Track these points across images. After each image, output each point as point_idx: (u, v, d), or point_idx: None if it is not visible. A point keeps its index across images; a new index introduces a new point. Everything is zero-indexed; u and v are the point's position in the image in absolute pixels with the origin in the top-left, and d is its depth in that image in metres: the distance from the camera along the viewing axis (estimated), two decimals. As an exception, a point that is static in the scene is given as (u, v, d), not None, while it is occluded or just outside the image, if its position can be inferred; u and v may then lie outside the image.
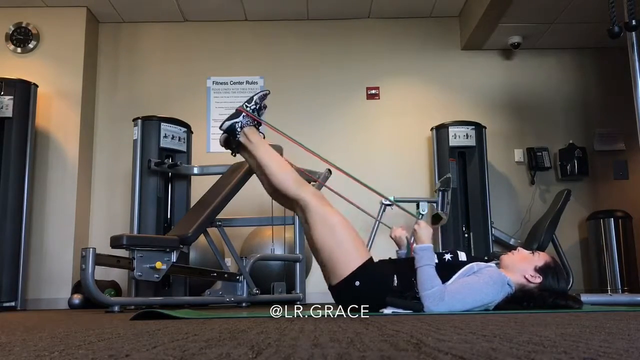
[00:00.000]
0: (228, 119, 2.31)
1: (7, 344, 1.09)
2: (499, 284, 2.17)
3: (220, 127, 2.33)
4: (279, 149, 3.77)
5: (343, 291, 2.19)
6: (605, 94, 5.48)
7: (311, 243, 2.25)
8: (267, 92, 2.40)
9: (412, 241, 2.31)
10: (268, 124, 2.39)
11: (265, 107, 2.38)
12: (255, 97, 2.35)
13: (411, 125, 5.38)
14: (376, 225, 4.21)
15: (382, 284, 2.17)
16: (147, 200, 4.13)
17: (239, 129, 2.30)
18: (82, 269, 2.84)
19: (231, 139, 2.32)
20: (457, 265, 2.24)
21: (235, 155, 2.46)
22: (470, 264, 2.24)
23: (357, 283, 2.14)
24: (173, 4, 5.25)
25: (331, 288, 2.24)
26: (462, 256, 2.30)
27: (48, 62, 5.11)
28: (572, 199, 4.83)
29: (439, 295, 2.08)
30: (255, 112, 2.34)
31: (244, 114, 2.31)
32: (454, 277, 2.19)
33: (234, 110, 2.35)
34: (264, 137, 2.38)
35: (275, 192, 2.34)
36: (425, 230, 2.23)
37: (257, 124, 2.36)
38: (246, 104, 2.34)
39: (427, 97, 5.46)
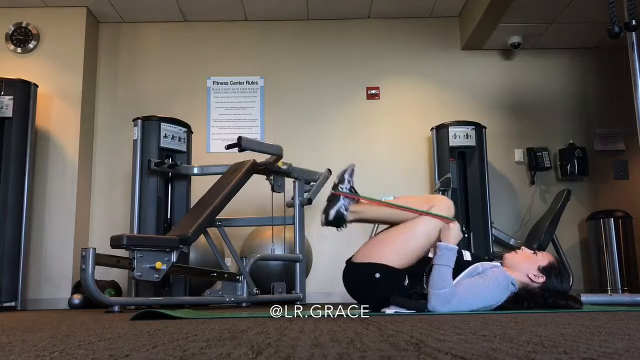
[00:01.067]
0: (331, 208, 2.29)
1: (7, 344, 1.09)
2: (504, 286, 2.18)
3: (327, 221, 2.30)
4: (278, 149, 3.77)
5: (360, 273, 2.22)
6: (605, 94, 5.48)
7: (398, 222, 2.28)
8: (354, 165, 2.39)
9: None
10: (367, 198, 2.36)
11: (354, 169, 2.38)
12: (346, 176, 2.34)
13: (411, 125, 5.38)
14: (375, 228, 4.21)
15: (394, 283, 2.20)
16: (147, 200, 4.13)
17: (345, 213, 2.29)
18: (82, 269, 2.84)
19: (342, 224, 2.33)
20: (462, 264, 2.24)
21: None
22: (475, 265, 2.24)
23: (378, 275, 2.17)
24: (173, 4, 5.25)
25: (352, 264, 2.28)
26: (467, 255, 2.31)
27: (48, 62, 5.11)
28: (572, 199, 4.83)
29: (448, 298, 2.09)
30: (351, 190, 2.33)
31: (342, 196, 2.30)
32: (459, 277, 2.19)
33: (330, 196, 2.33)
34: (358, 196, 2.35)
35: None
36: (456, 232, 2.24)
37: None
38: (340, 185, 2.32)
39: (427, 97, 5.46)
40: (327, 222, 2.30)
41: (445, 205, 2.29)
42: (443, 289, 2.10)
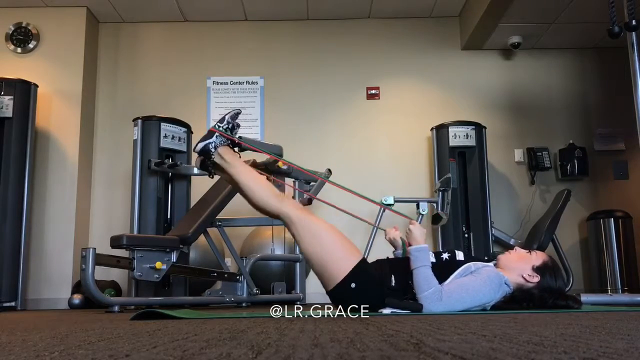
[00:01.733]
0: (201, 140, 2.30)
1: (7, 344, 1.09)
2: (497, 284, 2.17)
3: (194, 150, 2.31)
4: (278, 149, 3.77)
5: (340, 295, 2.18)
6: (605, 94, 5.48)
7: (302, 254, 2.25)
8: (239, 110, 2.38)
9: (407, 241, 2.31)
10: (242, 141, 2.37)
11: (238, 125, 2.36)
12: (227, 117, 2.33)
13: (411, 125, 5.38)
14: (374, 231, 4.21)
15: (379, 284, 2.17)
16: (147, 200, 4.13)
17: (213, 150, 2.28)
18: (82, 269, 2.84)
19: (207, 161, 2.30)
20: (454, 264, 2.24)
21: (212, 177, 2.46)
22: (468, 264, 2.23)
23: (353, 285, 2.13)
24: (173, 4, 5.25)
25: (329, 293, 2.24)
26: (460, 255, 2.30)
27: (48, 62, 5.11)
28: (572, 199, 4.83)
29: (437, 296, 2.08)
30: (228, 132, 2.31)
31: (217, 134, 2.29)
32: (451, 277, 2.18)
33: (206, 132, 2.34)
34: (240, 156, 2.36)
35: (258, 208, 2.32)
36: (419, 231, 2.21)
37: (232, 144, 2.34)
38: (218, 124, 2.32)
39: (427, 97, 5.46)
40: (194, 151, 2.32)
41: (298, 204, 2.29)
42: (428, 289, 2.08)
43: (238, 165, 2.30)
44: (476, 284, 2.14)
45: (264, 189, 2.27)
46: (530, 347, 0.84)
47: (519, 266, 2.26)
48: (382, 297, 2.16)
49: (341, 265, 2.16)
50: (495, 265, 2.32)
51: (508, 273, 2.25)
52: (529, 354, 0.76)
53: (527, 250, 2.35)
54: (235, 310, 3.03)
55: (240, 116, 2.38)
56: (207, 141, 2.29)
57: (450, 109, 5.37)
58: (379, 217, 4.22)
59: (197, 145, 2.30)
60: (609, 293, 4.70)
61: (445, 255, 2.27)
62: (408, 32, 5.57)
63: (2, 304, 4.16)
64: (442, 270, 2.18)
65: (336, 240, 2.19)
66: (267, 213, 2.29)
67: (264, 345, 0.94)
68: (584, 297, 2.91)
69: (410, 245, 2.20)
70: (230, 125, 2.34)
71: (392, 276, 2.19)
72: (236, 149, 2.39)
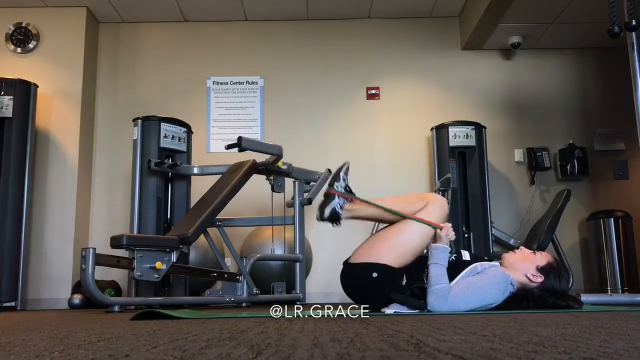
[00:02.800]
0: (326, 207, 2.32)
1: (7, 344, 1.09)
2: (503, 285, 2.18)
3: (322, 217, 2.34)
4: (278, 149, 3.77)
5: (358, 274, 2.24)
6: (605, 94, 5.48)
7: (395, 222, 2.31)
8: (348, 163, 2.45)
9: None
10: (362, 200, 2.39)
11: (348, 168, 2.43)
12: (341, 174, 2.38)
13: (411, 125, 5.38)
14: (375, 227, 4.22)
15: (392, 283, 2.21)
16: (147, 201, 4.13)
17: (340, 212, 2.33)
18: (82, 269, 2.84)
19: (335, 221, 2.35)
20: (461, 264, 2.25)
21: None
22: (474, 264, 2.25)
23: (375, 275, 2.20)
24: (173, 4, 5.25)
25: (349, 264, 2.30)
26: (466, 255, 2.31)
27: (48, 62, 5.11)
28: (572, 199, 4.83)
29: (444, 294, 2.11)
30: (346, 189, 2.37)
31: (337, 195, 2.34)
32: (458, 277, 2.20)
33: (324, 196, 2.37)
34: (354, 196, 2.38)
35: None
36: (449, 233, 2.28)
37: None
38: (336, 184, 2.36)
39: (427, 97, 5.46)
40: (322, 219, 2.34)
41: (438, 203, 2.35)
42: (436, 285, 2.12)
43: (361, 209, 2.37)
44: (483, 284, 2.15)
45: (390, 215, 2.33)
46: (530, 347, 0.84)
47: (524, 266, 2.28)
48: (388, 298, 2.19)
49: (389, 254, 2.24)
50: (499, 264, 2.33)
51: (512, 272, 2.26)
52: (529, 354, 0.76)
53: (532, 251, 2.36)
54: (235, 310, 3.03)
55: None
56: (332, 205, 2.32)
57: (450, 109, 5.37)
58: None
59: (322, 212, 2.33)
60: (609, 293, 4.69)
61: (451, 256, 2.28)
62: (408, 32, 5.57)
63: (2, 304, 4.16)
64: (449, 270, 2.21)
65: (412, 247, 2.27)
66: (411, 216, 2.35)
67: (264, 345, 0.94)
68: (584, 297, 2.91)
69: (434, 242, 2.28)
70: (346, 182, 2.39)
71: (404, 275, 2.23)
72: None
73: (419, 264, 2.25)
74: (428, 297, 2.13)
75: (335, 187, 2.34)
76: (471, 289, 2.14)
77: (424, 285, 2.18)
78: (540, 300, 2.19)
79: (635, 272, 4.78)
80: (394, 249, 2.25)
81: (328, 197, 2.34)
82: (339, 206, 2.32)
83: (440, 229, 2.28)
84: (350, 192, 2.39)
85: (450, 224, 2.32)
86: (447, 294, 2.11)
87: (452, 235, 2.28)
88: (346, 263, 2.33)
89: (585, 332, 1.14)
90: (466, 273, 2.21)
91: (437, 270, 2.17)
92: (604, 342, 0.92)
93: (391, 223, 2.37)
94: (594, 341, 0.94)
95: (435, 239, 2.29)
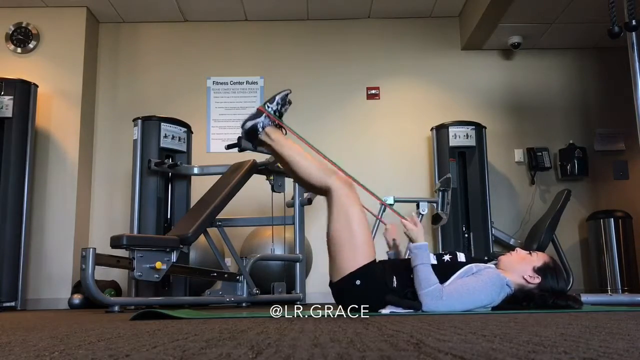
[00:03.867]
0: (250, 119, 2.31)
1: (7, 344, 1.09)
2: (498, 286, 2.17)
3: (242, 127, 2.32)
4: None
5: (343, 289, 2.18)
6: (605, 94, 5.48)
7: (327, 232, 2.23)
8: (288, 91, 2.37)
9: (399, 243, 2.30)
10: (289, 128, 2.38)
11: (289, 102, 2.38)
12: (277, 97, 2.34)
13: (411, 125, 5.38)
14: (376, 224, 4.21)
15: (381, 285, 2.17)
16: (147, 200, 4.13)
17: (260, 129, 2.31)
18: (82, 269, 2.84)
19: (252, 138, 2.33)
20: (456, 266, 2.23)
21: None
22: (469, 265, 2.23)
23: (358, 282, 2.13)
24: (173, 4, 5.25)
25: (332, 285, 2.24)
26: (461, 257, 2.29)
27: (48, 62, 5.11)
28: (572, 199, 4.83)
29: (437, 294, 2.08)
30: (277, 113, 2.33)
31: (265, 114, 2.31)
32: (452, 277, 2.18)
33: (254, 110, 2.34)
34: (285, 134, 2.37)
35: (305, 184, 2.34)
36: (418, 228, 2.21)
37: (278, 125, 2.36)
38: (267, 103, 2.33)
39: (427, 97, 5.46)
40: (242, 128, 2.32)
41: (349, 182, 2.25)
42: (429, 287, 2.09)
43: (284, 143, 2.33)
44: (477, 285, 2.14)
45: (311, 162, 2.28)
46: (530, 347, 0.84)
47: (520, 267, 2.26)
48: (382, 299, 2.16)
49: (355, 257, 2.15)
50: (496, 266, 2.32)
51: (509, 274, 2.25)
52: (529, 354, 0.76)
53: (528, 251, 2.35)
54: (235, 310, 3.03)
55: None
56: (255, 120, 2.30)
57: (450, 109, 5.37)
58: (380, 214, 4.22)
59: (245, 123, 2.31)
60: (609, 293, 4.69)
61: (446, 257, 2.27)
62: (408, 32, 5.57)
63: (2, 304, 4.16)
64: (444, 271, 2.18)
65: (363, 233, 2.18)
66: (313, 187, 2.29)
67: (264, 345, 0.94)
68: (584, 297, 2.91)
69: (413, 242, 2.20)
70: (279, 107, 2.34)
71: (394, 277, 2.19)
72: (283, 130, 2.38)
73: (408, 265, 2.20)
74: (422, 300, 2.09)
75: (266, 106, 2.31)
76: (465, 289, 2.12)
77: (415, 296, 2.14)
78: (540, 301, 2.18)
79: (635, 272, 4.79)
80: (357, 246, 2.15)
81: (256, 113, 2.31)
82: (261, 125, 2.29)
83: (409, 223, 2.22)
84: (280, 119, 2.34)
85: (414, 217, 2.24)
86: (441, 293, 2.09)
87: (420, 227, 2.20)
88: (330, 285, 2.28)
89: (585, 332, 1.14)
90: (461, 274, 2.20)
91: (423, 271, 2.11)
92: (604, 342, 0.92)
93: (296, 175, 2.29)
94: (594, 341, 0.94)
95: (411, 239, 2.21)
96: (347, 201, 2.18)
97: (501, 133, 5.36)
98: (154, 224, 4.12)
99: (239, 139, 3.12)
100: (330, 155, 2.45)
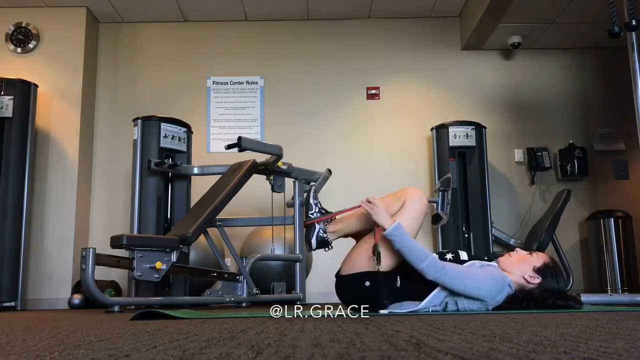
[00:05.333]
0: (311, 237, 2.35)
1: (7, 344, 1.09)
2: (500, 284, 2.17)
3: (313, 249, 2.38)
4: (278, 149, 3.77)
5: (350, 285, 2.21)
6: (605, 94, 5.48)
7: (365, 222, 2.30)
8: (314, 187, 2.47)
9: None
10: (334, 215, 2.42)
11: (320, 189, 2.48)
12: (311, 201, 2.40)
13: (411, 125, 5.38)
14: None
15: (388, 286, 2.19)
16: (147, 200, 4.13)
17: (325, 236, 2.35)
18: (82, 269, 2.84)
19: (326, 246, 2.38)
20: (459, 263, 2.24)
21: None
22: (472, 261, 2.25)
23: (368, 283, 2.17)
24: (173, 4, 5.25)
25: (340, 277, 2.27)
26: (464, 255, 2.31)
27: (48, 62, 5.11)
28: (572, 199, 4.83)
29: (438, 265, 2.09)
30: (319, 214, 2.38)
31: (315, 223, 2.36)
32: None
33: (306, 228, 2.41)
34: (334, 217, 2.41)
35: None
36: (380, 211, 2.19)
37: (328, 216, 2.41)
38: (310, 212, 2.38)
39: (427, 97, 5.46)
40: (313, 249, 2.38)
41: (416, 196, 2.31)
42: (426, 259, 2.09)
43: (345, 226, 2.39)
44: (481, 274, 2.16)
45: (370, 219, 2.29)
46: (530, 347, 0.84)
47: (520, 267, 2.26)
48: (385, 299, 2.18)
49: (372, 262, 2.20)
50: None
51: (509, 274, 2.25)
52: (529, 354, 0.76)
53: (528, 252, 2.35)
54: (235, 310, 3.03)
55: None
56: (316, 234, 2.34)
57: (450, 109, 5.37)
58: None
59: (311, 243, 2.36)
60: (609, 293, 4.69)
61: (449, 256, 2.28)
62: (408, 32, 5.57)
63: (2, 304, 4.16)
64: None
65: (386, 243, 2.23)
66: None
67: (264, 345, 0.94)
68: (584, 297, 2.91)
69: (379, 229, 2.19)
70: (317, 207, 2.39)
71: (397, 277, 2.21)
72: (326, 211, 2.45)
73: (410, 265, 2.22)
74: (425, 273, 2.08)
75: (310, 215, 2.37)
76: (468, 272, 2.15)
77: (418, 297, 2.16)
78: (540, 301, 2.18)
79: (635, 272, 4.78)
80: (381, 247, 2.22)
81: (309, 227, 2.36)
82: (322, 232, 2.34)
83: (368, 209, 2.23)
84: (325, 212, 2.40)
85: (368, 198, 2.25)
86: (441, 263, 2.11)
87: (380, 205, 2.19)
88: (338, 275, 2.31)
89: (585, 332, 1.14)
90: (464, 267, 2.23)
91: (411, 249, 2.10)
92: (604, 342, 0.92)
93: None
94: (594, 341, 0.94)
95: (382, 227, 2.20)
96: (408, 214, 2.26)
97: (501, 133, 5.36)
98: (154, 224, 4.12)
99: (239, 138, 3.14)
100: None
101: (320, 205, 2.40)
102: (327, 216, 2.37)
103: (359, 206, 2.28)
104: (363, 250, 2.26)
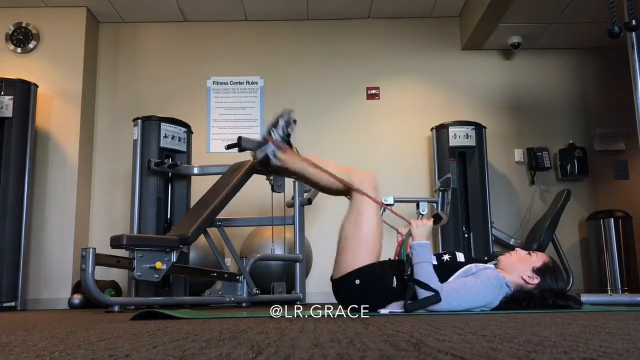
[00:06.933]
0: (260, 149, 2.31)
1: (7, 344, 1.09)
2: (497, 286, 2.17)
3: (255, 158, 2.35)
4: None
5: (343, 287, 2.20)
6: (605, 94, 5.48)
7: (340, 228, 2.28)
8: (291, 111, 2.38)
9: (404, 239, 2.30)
10: (296, 152, 2.39)
11: (294, 121, 2.39)
12: (280, 121, 2.34)
13: (411, 125, 5.38)
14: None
15: (381, 285, 2.17)
16: (147, 200, 4.13)
17: (272, 158, 2.31)
18: (82, 269, 2.84)
19: (267, 166, 2.35)
20: (455, 266, 2.23)
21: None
22: (469, 265, 2.23)
23: (358, 281, 2.15)
24: (173, 4, 5.25)
25: (333, 282, 2.26)
26: (461, 257, 2.30)
27: (48, 62, 5.11)
28: (572, 199, 4.83)
29: (439, 299, 2.08)
30: (284, 137, 2.34)
31: (271, 142, 2.31)
32: (452, 277, 2.18)
33: (261, 139, 2.35)
34: (297, 150, 2.39)
35: (332, 192, 2.38)
36: (422, 228, 2.22)
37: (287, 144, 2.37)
38: (272, 129, 2.33)
39: (427, 97, 5.46)
40: (256, 160, 2.34)
41: (369, 179, 2.29)
42: (429, 291, 2.09)
43: (297, 163, 2.34)
44: (476, 285, 2.14)
45: (326, 173, 2.31)
46: (530, 347, 0.84)
47: (519, 267, 2.26)
48: (381, 299, 2.17)
49: (359, 256, 2.19)
50: (495, 266, 2.32)
51: (508, 274, 2.25)
52: (529, 354, 0.76)
53: (528, 252, 2.34)
54: (235, 310, 3.03)
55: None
56: (264, 151, 2.31)
57: (450, 109, 5.37)
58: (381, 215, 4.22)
59: (255, 153, 2.33)
60: (609, 293, 4.69)
61: (446, 257, 2.27)
62: (408, 32, 5.57)
63: (2, 304, 4.16)
64: (443, 271, 2.18)
65: (374, 233, 2.22)
66: (340, 191, 2.33)
67: (264, 345, 0.94)
68: (584, 297, 2.91)
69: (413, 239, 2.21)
70: (284, 130, 2.35)
71: (394, 277, 2.19)
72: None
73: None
74: (424, 300, 2.09)
75: (271, 133, 2.31)
76: (465, 289, 2.13)
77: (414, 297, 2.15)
78: (540, 301, 2.18)
79: (635, 272, 4.78)
80: (362, 245, 2.19)
81: (263, 142, 2.32)
82: (272, 154, 2.30)
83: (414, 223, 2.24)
84: (288, 142, 2.34)
85: (419, 220, 2.27)
86: (440, 292, 2.09)
87: (423, 225, 2.22)
88: (332, 280, 2.30)
89: (585, 332, 1.14)
90: (460, 274, 2.20)
91: (423, 269, 2.10)
92: (604, 342, 0.92)
93: (316, 185, 2.35)
94: (594, 341, 0.94)
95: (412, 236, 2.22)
96: (362, 199, 2.23)
97: (501, 133, 5.36)
98: (154, 224, 4.12)
99: (239, 138, 3.13)
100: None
101: (288, 138, 2.35)
102: (285, 146, 2.32)
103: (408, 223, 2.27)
104: (347, 246, 2.23)
